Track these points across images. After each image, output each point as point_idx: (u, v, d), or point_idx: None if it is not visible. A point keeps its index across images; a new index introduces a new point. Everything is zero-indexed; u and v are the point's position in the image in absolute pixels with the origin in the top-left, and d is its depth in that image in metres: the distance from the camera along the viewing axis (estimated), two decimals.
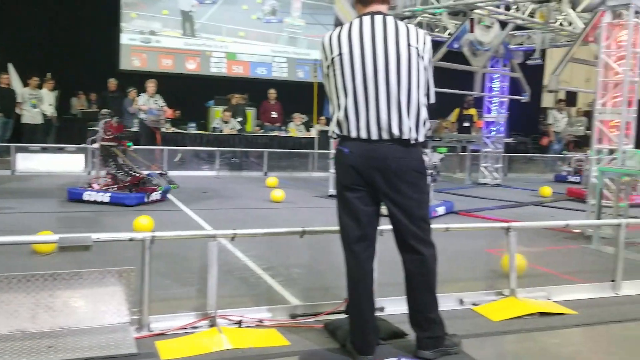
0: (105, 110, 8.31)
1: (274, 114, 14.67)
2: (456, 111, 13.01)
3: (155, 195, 7.75)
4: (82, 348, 2.78)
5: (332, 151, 9.23)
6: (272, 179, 10.25)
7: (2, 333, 2.79)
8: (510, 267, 3.79)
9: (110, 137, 7.64)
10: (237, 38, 17.85)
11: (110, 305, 3.01)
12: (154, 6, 17.01)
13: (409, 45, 2.78)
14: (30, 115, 12.18)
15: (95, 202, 7.33)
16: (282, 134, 14.45)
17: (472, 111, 13.30)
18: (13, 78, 13.30)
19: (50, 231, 4.48)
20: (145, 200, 7.57)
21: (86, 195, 7.41)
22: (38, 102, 12.24)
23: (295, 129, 14.88)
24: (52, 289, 2.89)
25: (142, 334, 3.05)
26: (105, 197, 7.41)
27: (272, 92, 14.79)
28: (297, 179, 12.04)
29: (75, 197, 7.43)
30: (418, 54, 2.80)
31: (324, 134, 14.17)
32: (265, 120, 14.68)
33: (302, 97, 15.86)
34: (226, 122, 13.70)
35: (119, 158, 7.76)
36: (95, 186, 7.60)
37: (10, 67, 13.50)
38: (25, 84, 12.45)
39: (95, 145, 7.72)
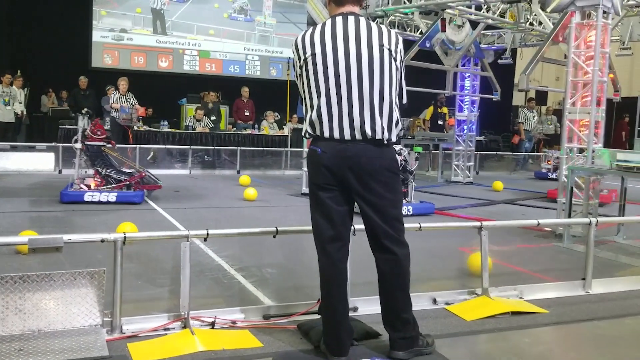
0: (86, 109, 8.24)
1: (247, 112, 14.61)
2: (430, 109, 13.12)
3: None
4: (53, 351, 2.73)
5: (305, 149, 9.25)
6: (245, 177, 10.22)
7: None
8: (482, 266, 3.83)
9: (100, 136, 7.58)
10: (209, 36, 17.73)
11: (82, 307, 2.96)
12: (125, 4, 16.77)
13: (381, 46, 2.79)
14: (1, 113, 11.93)
15: (99, 203, 7.25)
16: (255, 132, 14.39)
17: (445, 110, 13.43)
18: None
19: (33, 231, 4.43)
20: (145, 197, 7.62)
21: (87, 197, 7.27)
22: (11, 100, 12.00)
23: (268, 127, 14.84)
24: (22, 291, 2.84)
25: (114, 336, 3.01)
26: (111, 197, 7.33)
27: (245, 90, 14.73)
28: (270, 177, 12.03)
29: (71, 199, 7.22)
30: (390, 55, 2.82)
31: (296, 132, 14.17)
32: (238, 118, 14.61)
33: (275, 95, 15.83)
34: (199, 120, 13.61)
35: (110, 157, 7.70)
36: (86, 186, 7.48)
37: None
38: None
39: (78, 145, 7.60)
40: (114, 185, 7.54)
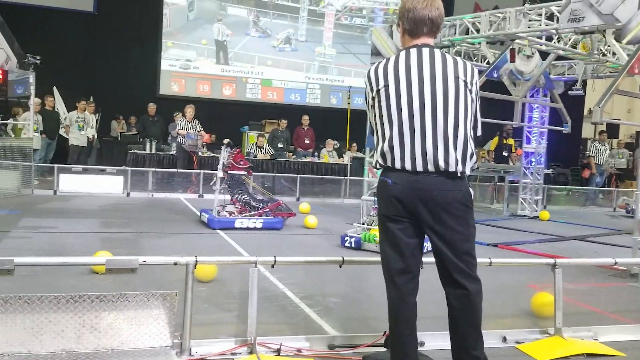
0: (228, 140, 8.71)
1: (307, 140, 14.78)
2: (495, 140, 12.88)
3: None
4: None
5: (366, 179, 9.22)
6: (305, 205, 10.27)
7: (48, 352, 2.83)
8: (556, 305, 3.69)
9: (242, 166, 7.97)
10: (270, 67, 18.16)
11: (154, 328, 3.02)
12: (190, 36, 17.44)
13: (456, 77, 2.77)
14: (75, 138, 12.53)
15: (247, 229, 7.68)
16: (315, 159, 14.52)
17: (511, 141, 13.14)
18: (57, 101, 13.74)
19: (108, 252, 4.59)
20: (283, 224, 8.02)
21: (237, 223, 7.70)
22: (85, 125, 12.61)
23: (327, 155, 14.95)
24: (98, 310, 2.92)
25: (183, 358, 3.05)
26: (258, 224, 7.78)
27: (305, 118, 14.92)
28: (329, 205, 12.01)
29: (223, 226, 7.61)
30: (466, 86, 2.79)
31: (356, 161, 14.20)
32: (298, 146, 14.80)
33: (335, 123, 15.96)
34: (260, 147, 13.84)
35: (249, 185, 8.12)
36: (226, 213, 7.87)
37: (55, 91, 13.95)
38: (74, 107, 12.85)
39: (220, 174, 8.04)
40: (253, 212, 7.92)
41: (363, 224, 6.94)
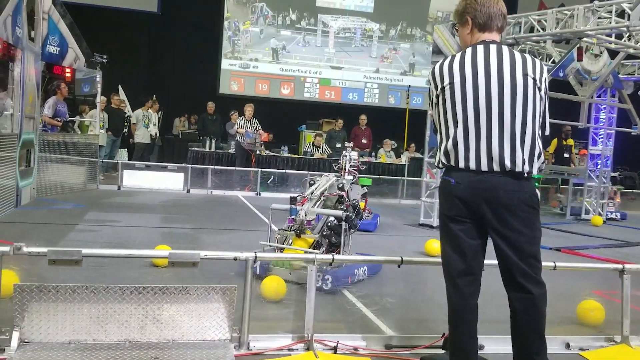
0: (350, 144, 8.98)
1: (364, 140, 14.73)
2: (554, 142, 12.50)
3: None
4: None
5: (425, 180, 9.12)
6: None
7: (112, 341, 2.91)
8: (623, 312, 3.54)
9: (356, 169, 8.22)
10: (327, 67, 18.22)
11: (213, 321, 3.06)
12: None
13: (525, 75, 2.69)
14: (141, 135, 12.94)
15: None
16: (372, 159, 14.44)
17: (570, 141, 12.73)
18: (122, 99, 14.23)
19: (167, 246, 4.70)
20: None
21: None
22: (149, 123, 13.00)
23: (385, 155, 14.84)
24: (161, 302, 2.98)
25: (242, 352, 3.09)
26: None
27: (362, 118, 14.87)
28: (386, 205, 11.93)
29: None
30: (535, 84, 2.71)
31: (414, 161, 14.04)
32: (355, 145, 14.74)
33: (392, 123, 15.84)
34: (317, 147, 13.89)
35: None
36: None
37: (120, 89, 14.44)
38: (137, 105, 13.26)
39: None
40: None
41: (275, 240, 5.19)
